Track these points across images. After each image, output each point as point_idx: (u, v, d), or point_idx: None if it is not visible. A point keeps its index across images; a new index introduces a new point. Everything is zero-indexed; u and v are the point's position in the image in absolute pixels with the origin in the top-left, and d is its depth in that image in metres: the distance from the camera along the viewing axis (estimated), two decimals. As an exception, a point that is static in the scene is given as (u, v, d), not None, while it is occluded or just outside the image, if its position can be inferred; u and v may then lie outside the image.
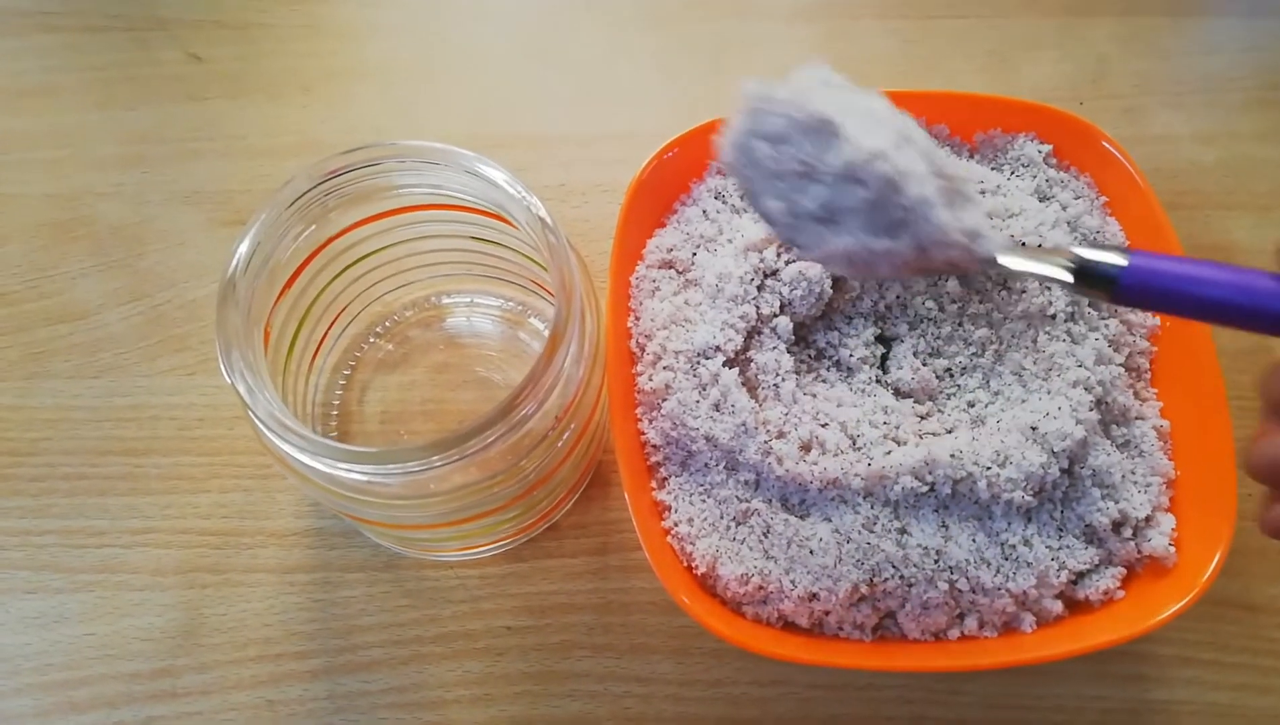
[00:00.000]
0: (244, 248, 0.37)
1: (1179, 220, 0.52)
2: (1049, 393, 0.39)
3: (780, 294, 0.42)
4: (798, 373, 0.43)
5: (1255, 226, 0.52)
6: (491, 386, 0.47)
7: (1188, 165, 0.54)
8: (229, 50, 0.57)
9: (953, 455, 0.38)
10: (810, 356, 0.44)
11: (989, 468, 0.38)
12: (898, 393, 0.43)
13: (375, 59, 0.57)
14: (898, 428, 0.40)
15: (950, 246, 0.33)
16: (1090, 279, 0.31)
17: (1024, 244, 0.41)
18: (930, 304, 0.43)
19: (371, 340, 0.49)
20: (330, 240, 0.42)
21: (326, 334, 0.48)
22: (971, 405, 0.41)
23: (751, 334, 0.42)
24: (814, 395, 0.42)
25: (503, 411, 0.34)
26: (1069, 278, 0.31)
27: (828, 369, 0.44)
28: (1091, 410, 0.39)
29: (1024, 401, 0.40)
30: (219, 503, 0.47)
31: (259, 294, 0.38)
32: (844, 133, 0.32)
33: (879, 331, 0.44)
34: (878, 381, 0.43)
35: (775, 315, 0.42)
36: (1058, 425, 0.38)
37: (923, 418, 0.42)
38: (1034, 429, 0.38)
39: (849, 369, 0.43)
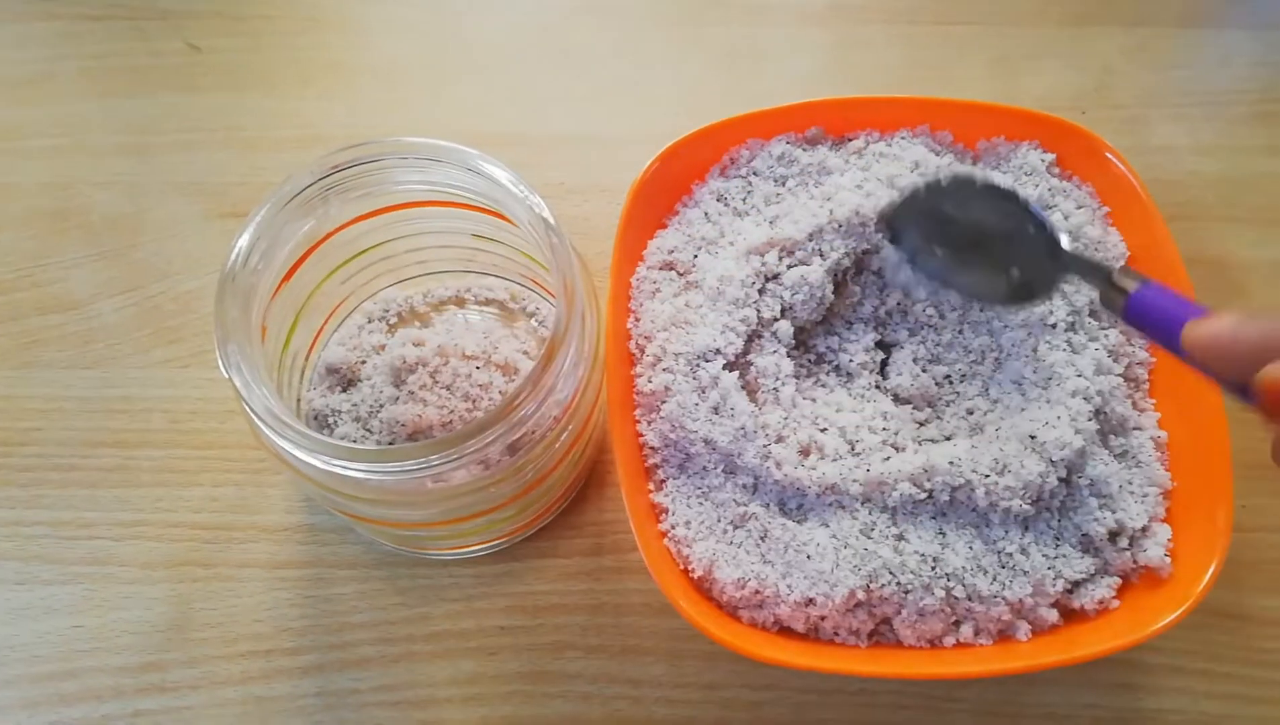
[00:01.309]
0: (244, 241, 0.37)
1: (1179, 232, 0.52)
2: (1048, 402, 0.39)
3: (781, 298, 0.42)
4: (797, 377, 0.43)
5: (1256, 242, 0.52)
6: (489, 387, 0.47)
7: (1189, 177, 0.54)
8: (229, 41, 0.57)
9: (951, 463, 0.38)
10: (810, 361, 0.44)
11: (987, 475, 0.38)
12: (897, 399, 0.43)
13: (377, 53, 0.57)
14: (897, 434, 0.40)
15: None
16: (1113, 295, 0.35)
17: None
18: (930, 311, 0.43)
19: (368, 331, 0.49)
20: (329, 235, 0.42)
21: (322, 328, 0.47)
22: (970, 412, 0.41)
23: (752, 337, 0.42)
24: (813, 400, 0.42)
25: (501, 413, 0.34)
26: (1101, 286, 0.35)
27: (827, 373, 0.44)
28: (1090, 420, 0.39)
29: (1023, 410, 0.40)
30: (210, 496, 0.46)
31: (257, 288, 0.38)
32: None
33: (879, 337, 0.44)
34: (877, 387, 0.43)
35: (776, 319, 0.42)
36: (1056, 434, 0.38)
37: (921, 424, 0.42)
38: (1033, 438, 0.38)
39: (849, 374, 0.43)
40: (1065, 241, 0.38)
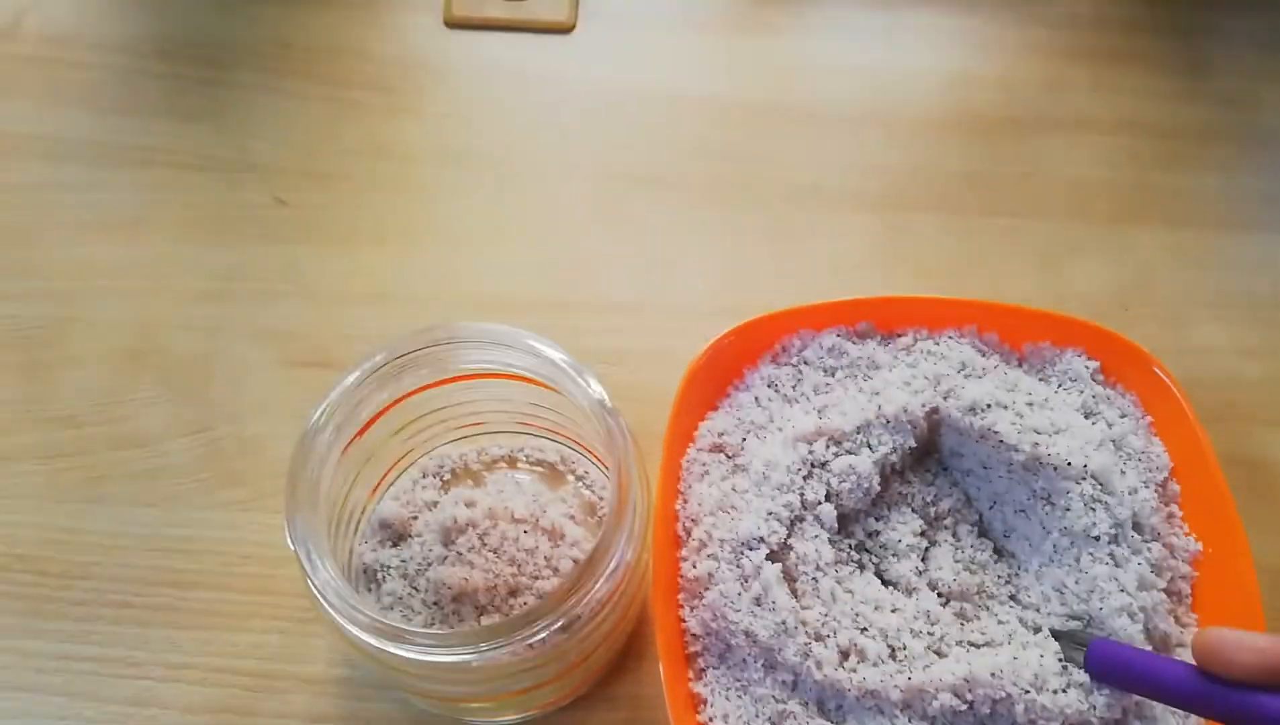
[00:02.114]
0: (321, 414, 0.39)
1: (1220, 433, 0.52)
2: (1092, 618, 0.40)
3: (828, 483, 0.43)
4: (837, 563, 0.43)
5: (1297, 445, 0.53)
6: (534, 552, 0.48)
7: (1230, 379, 0.55)
8: (312, 197, 0.60)
9: (993, 674, 0.38)
10: (851, 546, 0.45)
11: (1027, 691, 0.38)
12: (938, 593, 0.43)
13: (447, 217, 0.60)
14: (940, 638, 0.41)
15: None
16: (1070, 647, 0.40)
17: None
18: (976, 512, 0.43)
19: (422, 487, 0.50)
20: (397, 401, 0.44)
21: (380, 483, 0.49)
22: (1021, 620, 0.42)
23: (795, 523, 0.43)
24: (852, 592, 0.42)
25: (554, 603, 0.35)
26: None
27: (870, 560, 0.44)
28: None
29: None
30: (256, 643, 0.47)
31: (328, 457, 0.40)
32: None
33: (923, 527, 0.45)
34: (918, 573, 0.43)
35: (820, 503, 0.43)
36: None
37: (965, 621, 0.42)
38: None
39: (894, 554, 0.44)
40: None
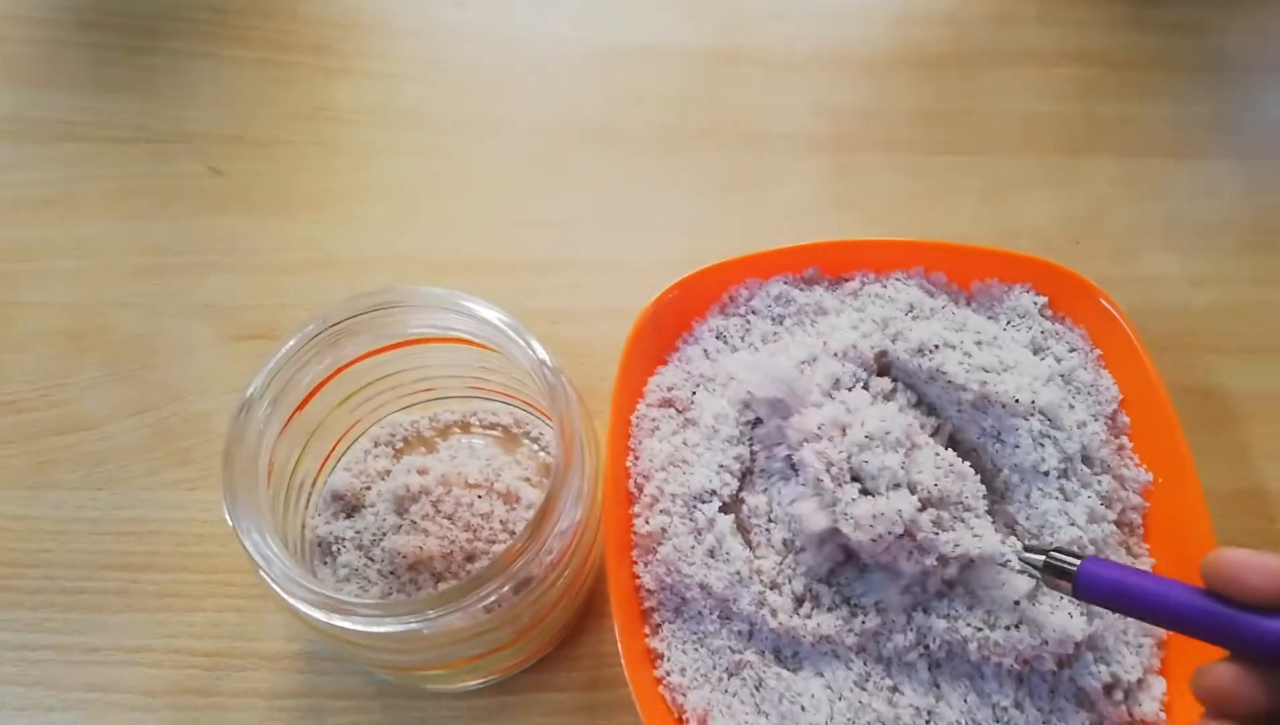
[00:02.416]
0: (254, 389, 0.38)
1: (1170, 362, 0.53)
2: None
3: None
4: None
5: (1247, 371, 0.53)
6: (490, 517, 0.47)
7: (1180, 307, 0.55)
8: (249, 165, 0.59)
9: (947, 615, 0.38)
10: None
11: (980, 629, 0.38)
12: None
13: (389, 178, 0.59)
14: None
15: (959, 557, 0.39)
16: (1056, 573, 0.36)
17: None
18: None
19: (374, 456, 0.50)
20: (340, 369, 0.43)
21: (329, 454, 0.48)
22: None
23: (745, 475, 0.43)
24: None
25: (501, 566, 0.35)
26: (1038, 573, 0.37)
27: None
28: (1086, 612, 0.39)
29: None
30: (213, 622, 0.47)
31: (267, 431, 0.39)
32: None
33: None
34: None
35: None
36: (1057, 622, 0.38)
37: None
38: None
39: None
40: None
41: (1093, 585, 0.35)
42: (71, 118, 0.60)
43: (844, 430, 0.41)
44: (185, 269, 0.55)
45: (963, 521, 0.39)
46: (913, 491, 0.39)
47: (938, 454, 0.40)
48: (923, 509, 0.38)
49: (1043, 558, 0.36)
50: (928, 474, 0.39)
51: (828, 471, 0.39)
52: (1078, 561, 0.35)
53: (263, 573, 0.35)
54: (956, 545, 0.38)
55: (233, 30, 0.63)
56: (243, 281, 0.55)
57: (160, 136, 0.59)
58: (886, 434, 0.40)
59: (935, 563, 0.38)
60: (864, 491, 0.39)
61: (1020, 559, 0.38)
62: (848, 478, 0.40)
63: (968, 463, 0.41)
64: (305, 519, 0.47)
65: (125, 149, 0.59)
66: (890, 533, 0.37)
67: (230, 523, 0.36)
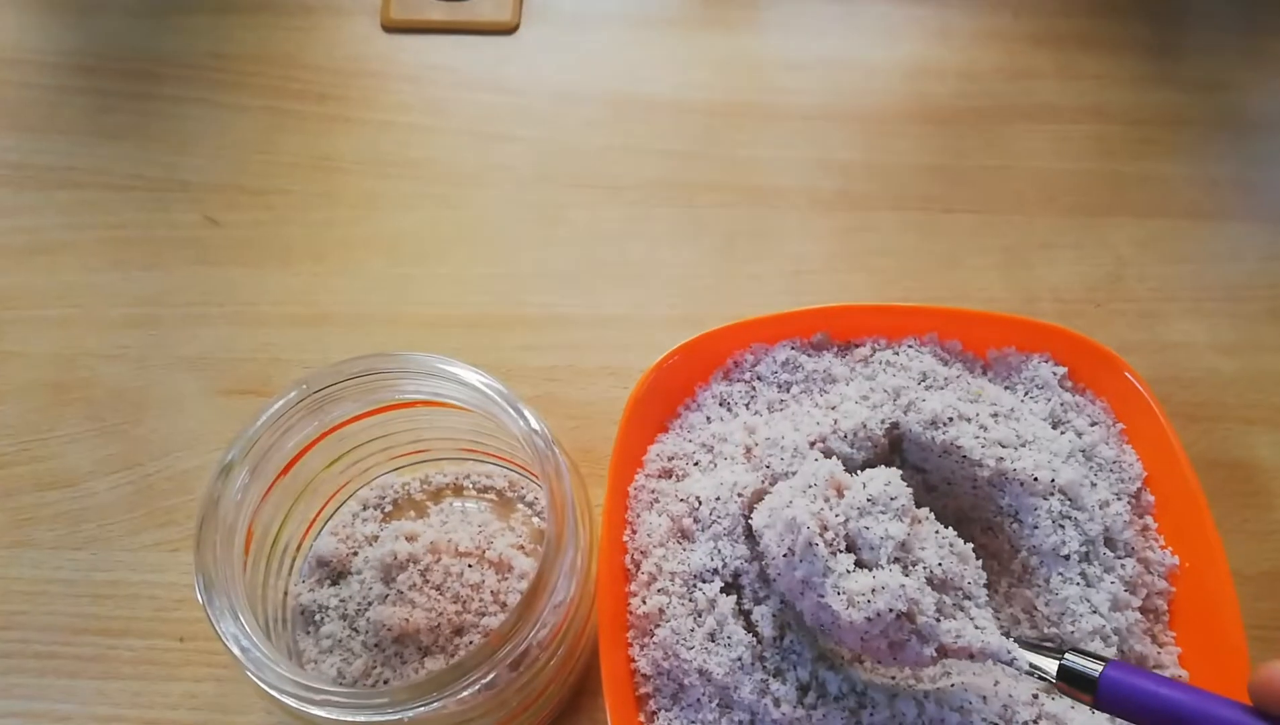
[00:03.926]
0: (231, 458, 0.37)
1: (1197, 433, 0.51)
2: (1063, 641, 0.37)
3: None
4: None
5: (1278, 443, 0.51)
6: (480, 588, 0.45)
7: (1207, 375, 0.53)
8: (247, 216, 0.57)
9: (961, 708, 0.36)
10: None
11: (996, 723, 0.36)
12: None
13: (389, 230, 0.57)
14: (903, 668, 0.38)
15: (960, 650, 0.35)
16: (1073, 681, 0.33)
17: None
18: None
19: (362, 520, 0.48)
20: (325, 433, 0.41)
21: (316, 517, 0.46)
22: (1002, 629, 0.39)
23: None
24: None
25: (487, 652, 0.33)
26: (1053, 677, 0.33)
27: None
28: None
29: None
30: (190, 692, 0.45)
31: (245, 503, 0.37)
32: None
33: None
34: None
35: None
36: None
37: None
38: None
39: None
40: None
41: (1118, 696, 0.31)
42: (68, 164, 0.59)
43: (840, 490, 0.37)
44: (177, 320, 0.54)
45: (963, 610, 0.36)
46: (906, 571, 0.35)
47: (938, 532, 0.37)
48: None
49: (1056, 662, 0.33)
50: (931, 552, 0.36)
51: (821, 536, 0.35)
52: (1099, 667, 0.32)
53: (235, 656, 0.33)
54: (959, 636, 0.34)
55: (233, 77, 0.62)
56: (236, 334, 0.54)
57: (157, 185, 0.58)
58: (892, 499, 0.36)
59: (934, 654, 0.34)
60: (859, 564, 0.35)
61: (1031, 666, 0.34)
62: (843, 546, 0.36)
63: (971, 545, 0.37)
64: (288, 586, 0.45)
65: (121, 196, 0.58)
66: (891, 610, 0.34)
67: (201, 601, 0.34)
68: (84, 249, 0.56)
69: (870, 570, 0.35)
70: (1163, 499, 0.42)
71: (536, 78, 0.63)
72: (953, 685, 0.38)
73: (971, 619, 0.35)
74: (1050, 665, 0.33)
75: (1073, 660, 0.33)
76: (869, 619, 0.34)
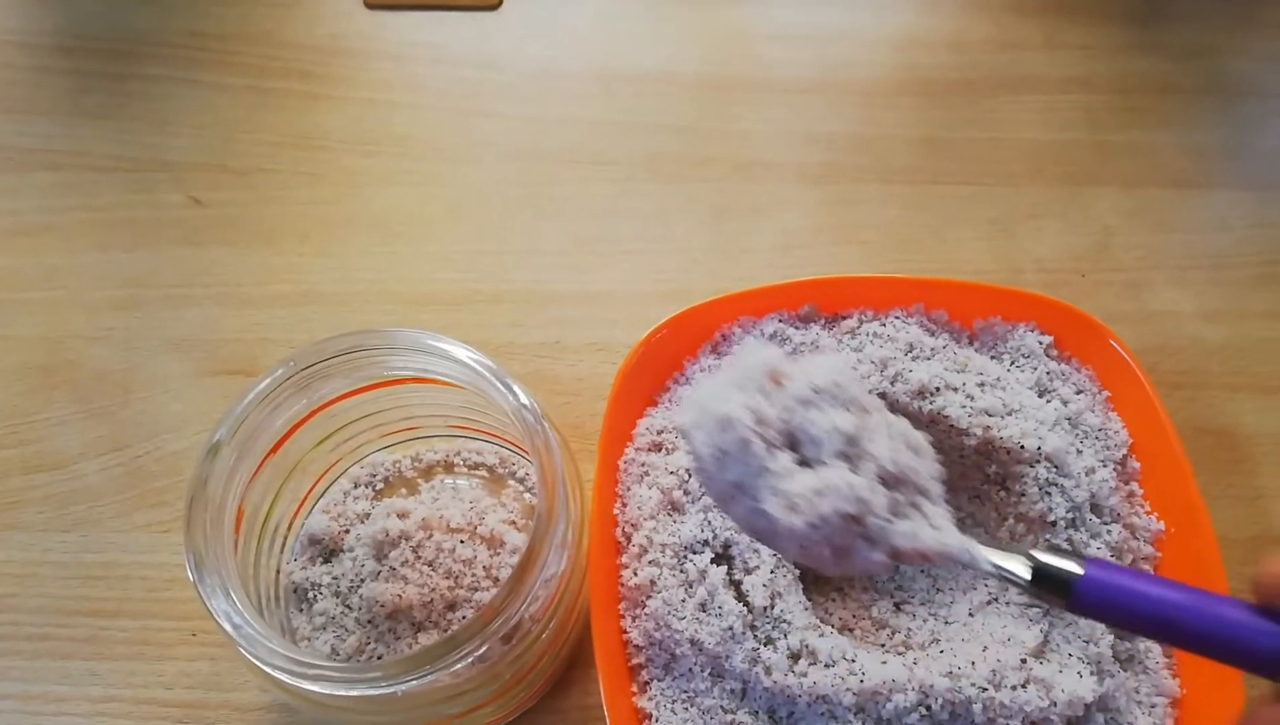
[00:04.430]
0: (219, 437, 0.36)
1: (1182, 401, 0.51)
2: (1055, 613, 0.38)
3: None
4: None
5: (1261, 410, 0.51)
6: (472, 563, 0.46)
7: (1192, 343, 0.53)
8: (231, 195, 0.57)
9: (950, 673, 0.36)
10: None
11: (984, 690, 0.36)
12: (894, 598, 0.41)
13: (375, 208, 0.57)
14: (893, 635, 0.39)
15: (914, 553, 0.31)
16: (1047, 584, 0.29)
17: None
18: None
19: (354, 497, 0.48)
20: (313, 412, 0.41)
21: (307, 496, 0.46)
22: (971, 614, 0.40)
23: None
24: (804, 591, 0.40)
25: (479, 625, 0.33)
26: (1026, 579, 0.30)
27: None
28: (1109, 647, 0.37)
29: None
30: (184, 672, 0.45)
31: (234, 481, 0.37)
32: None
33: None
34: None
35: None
36: (1067, 683, 0.36)
37: (923, 621, 0.40)
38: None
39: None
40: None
41: (1101, 599, 0.28)
42: (49, 146, 0.59)
43: (779, 381, 0.32)
44: (162, 301, 0.54)
45: (917, 508, 0.31)
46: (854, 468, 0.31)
47: (889, 424, 0.32)
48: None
49: (1025, 563, 0.29)
50: (881, 444, 0.31)
51: (758, 432, 0.31)
52: (1076, 567, 0.28)
53: (227, 633, 0.33)
54: (913, 537, 0.30)
55: (215, 56, 0.62)
56: (222, 314, 0.53)
57: (140, 165, 0.58)
58: (839, 387, 0.32)
59: (885, 558, 0.30)
60: (801, 463, 0.31)
61: (995, 567, 0.30)
62: (781, 443, 0.31)
63: (928, 437, 0.33)
64: (280, 564, 0.45)
65: (103, 177, 0.57)
66: (837, 513, 0.30)
67: (193, 579, 0.34)
68: (66, 231, 0.56)
69: (814, 469, 0.31)
70: (1148, 465, 0.43)
71: (521, 53, 0.63)
72: (941, 652, 0.38)
73: (927, 518, 0.31)
74: (1018, 567, 0.30)
75: (1045, 559, 0.29)
76: (812, 525, 0.30)
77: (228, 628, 0.33)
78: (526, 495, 0.48)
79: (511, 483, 0.49)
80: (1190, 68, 0.63)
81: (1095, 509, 0.41)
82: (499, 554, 0.45)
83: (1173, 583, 0.28)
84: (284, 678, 0.33)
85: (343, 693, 0.33)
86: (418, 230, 0.57)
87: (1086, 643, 0.37)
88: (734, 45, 0.64)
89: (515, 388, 0.38)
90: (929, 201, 0.58)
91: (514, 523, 0.47)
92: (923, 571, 0.42)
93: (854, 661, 0.37)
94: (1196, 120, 0.61)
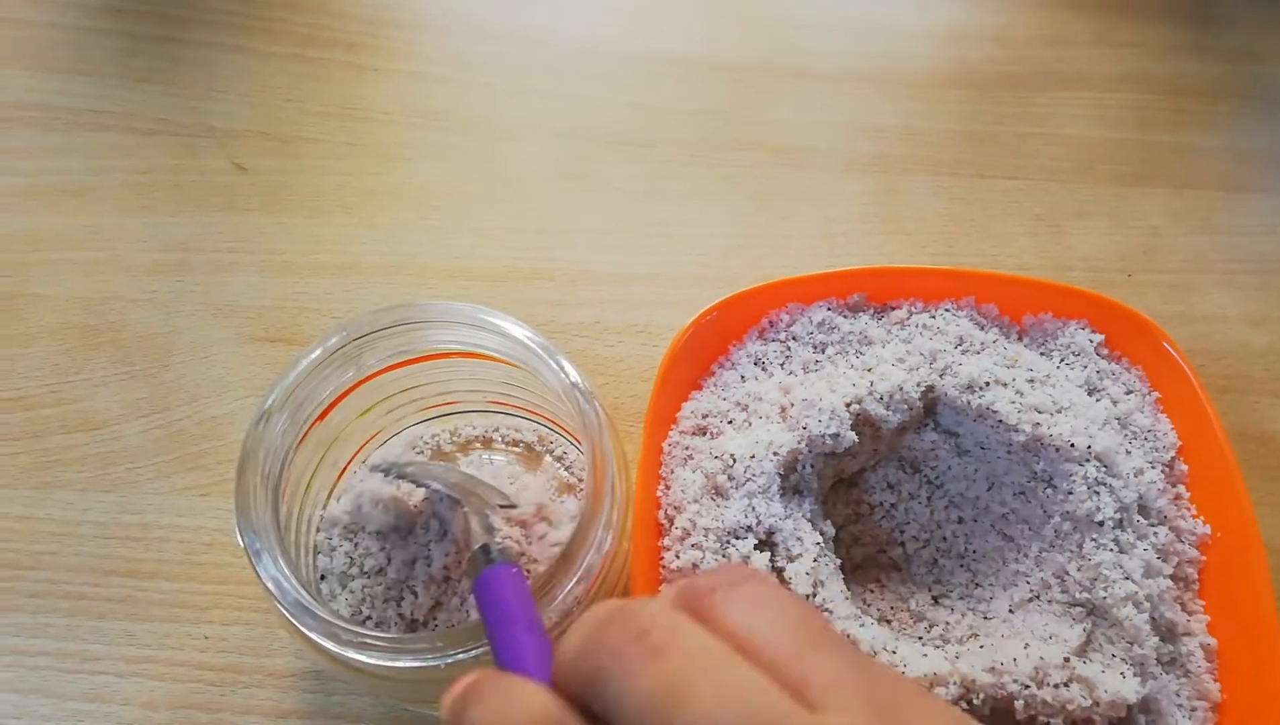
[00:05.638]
0: (272, 403, 0.37)
1: (1227, 405, 0.51)
2: (1095, 606, 0.38)
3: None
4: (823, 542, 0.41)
5: (1306, 418, 0.51)
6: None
7: (1237, 347, 0.53)
8: (274, 162, 0.57)
9: (992, 668, 0.36)
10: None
11: (1027, 686, 0.36)
12: (933, 589, 0.41)
13: (417, 181, 0.57)
14: (931, 628, 0.39)
15: None
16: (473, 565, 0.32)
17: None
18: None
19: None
20: (359, 383, 0.41)
21: (345, 469, 0.46)
22: (1011, 610, 0.39)
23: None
24: (844, 580, 0.40)
25: (524, 602, 0.33)
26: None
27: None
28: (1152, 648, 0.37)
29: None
30: (219, 635, 0.45)
31: (282, 447, 0.37)
32: None
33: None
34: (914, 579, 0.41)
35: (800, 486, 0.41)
36: (1111, 683, 0.36)
37: (961, 615, 0.40)
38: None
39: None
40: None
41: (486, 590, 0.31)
42: (95, 106, 0.59)
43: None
44: (205, 267, 0.54)
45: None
46: None
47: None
48: None
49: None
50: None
51: None
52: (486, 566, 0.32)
53: (274, 598, 0.34)
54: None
55: (261, 23, 0.61)
56: (264, 282, 0.53)
57: (185, 130, 0.58)
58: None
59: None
60: None
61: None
62: None
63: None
64: (316, 536, 0.45)
65: (148, 141, 0.57)
66: None
67: (241, 543, 0.34)
68: (110, 192, 0.56)
69: None
70: (1196, 469, 0.42)
71: (569, 32, 0.63)
72: (981, 647, 0.38)
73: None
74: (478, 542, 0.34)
75: (491, 546, 0.33)
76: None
77: (276, 593, 0.33)
78: (564, 473, 0.48)
79: (548, 459, 0.49)
80: (1240, 72, 0.63)
81: (1143, 510, 0.40)
82: (534, 529, 0.45)
83: (527, 626, 0.29)
84: (331, 646, 0.33)
85: (389, 663, 0.33)
86: (458, 205, 0.56)
87: (1130, 644, 0.37)
88: (777, 33, 0.63)
89: (567, 366, 0.38)
90: (975, 195, 0.57)
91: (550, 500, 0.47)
92: (962, 565, 0.42)
93: (895, 653, 0.37)
94: (1244, 125, 0.61)
